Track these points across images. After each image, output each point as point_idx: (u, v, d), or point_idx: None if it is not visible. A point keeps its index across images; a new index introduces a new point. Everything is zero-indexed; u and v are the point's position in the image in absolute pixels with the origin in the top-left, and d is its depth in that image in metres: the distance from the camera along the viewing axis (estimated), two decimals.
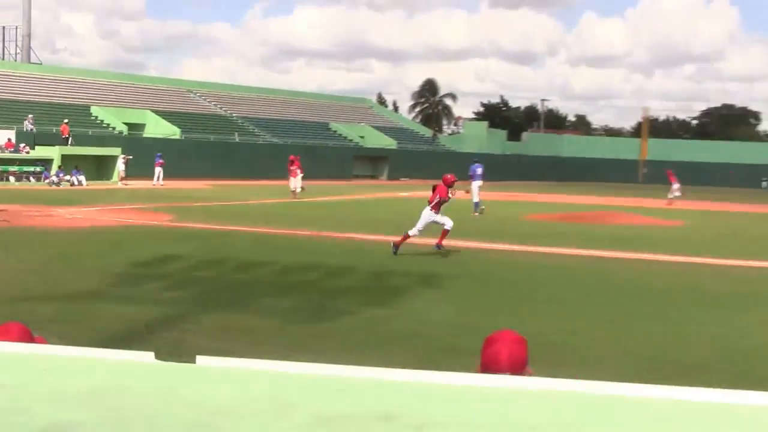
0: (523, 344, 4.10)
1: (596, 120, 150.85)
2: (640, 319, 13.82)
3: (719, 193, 62.88)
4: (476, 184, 35.78)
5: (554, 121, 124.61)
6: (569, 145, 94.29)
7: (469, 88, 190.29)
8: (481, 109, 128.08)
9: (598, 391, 2.61)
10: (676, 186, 48.62)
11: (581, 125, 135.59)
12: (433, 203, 20.51)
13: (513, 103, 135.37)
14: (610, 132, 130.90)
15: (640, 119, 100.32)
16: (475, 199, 35.18)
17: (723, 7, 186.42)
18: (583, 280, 17.84)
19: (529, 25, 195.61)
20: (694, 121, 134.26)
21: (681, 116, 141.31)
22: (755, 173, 73.71)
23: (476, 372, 3.87)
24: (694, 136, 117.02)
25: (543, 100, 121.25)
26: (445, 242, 20.90)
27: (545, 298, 15.60)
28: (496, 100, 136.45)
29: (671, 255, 22.13)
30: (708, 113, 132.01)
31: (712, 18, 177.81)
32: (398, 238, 20.47)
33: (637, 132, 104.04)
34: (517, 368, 3.92)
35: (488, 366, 3.97)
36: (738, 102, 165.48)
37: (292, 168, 43.81)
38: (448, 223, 20.42)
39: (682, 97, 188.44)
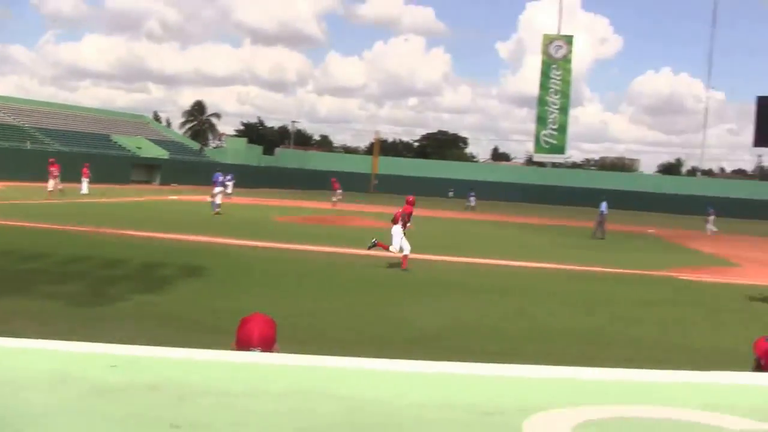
0: (272, 325, 4.53)
1: (337, 140, 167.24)
2: (369, 303, 15.63)
3: (435, 201, 70.39)
4: (217, 190, 38.45)
5: (302, 140, 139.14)
6: (315, 160, 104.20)
7: (232, 110, 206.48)
8: (242, 127, 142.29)
9: (331, 364, 3.08)
10: (339, 192, 55.38)
11: (325, 144, 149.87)
12: (400, 222, 21.50)
13: (268, 124, 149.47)
14: (348, 150, 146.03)
15: (372, 140, 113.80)
16: (217, 201, 38.08)
17: (439, 53, 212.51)
18: (323, 271, 19.79)
19: (284, 59, 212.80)
20: (416, 143, 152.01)
21: (406, 139, 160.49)
22: (469, 186, 78.54)
23: (232, 349, 4.26)
24: (416, 156, 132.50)
25: (293, 121, 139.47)
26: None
27: (292, 285, 17.22)
28: (254, 120, 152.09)
29: (396, 252, 23.74)
30: (427, 137, 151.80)
31: (431, 61, 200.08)
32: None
33: (370, 150, 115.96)
34: (267, 346, 4.36)
35: (242, 343, 4.34)
36: (451, 129, 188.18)
37: (51, 169, 44.45)
38: (405, 248, 21.20)
39: (407, 124, 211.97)
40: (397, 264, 21.07)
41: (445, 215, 52.59)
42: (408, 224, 21.75)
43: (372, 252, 21.95)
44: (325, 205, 53.23)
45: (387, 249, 21.48)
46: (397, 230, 21.37)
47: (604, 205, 39.02)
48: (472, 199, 66.09)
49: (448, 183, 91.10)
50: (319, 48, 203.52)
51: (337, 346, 11.16)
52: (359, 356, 3.27)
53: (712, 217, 48.68)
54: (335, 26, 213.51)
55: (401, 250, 21.16)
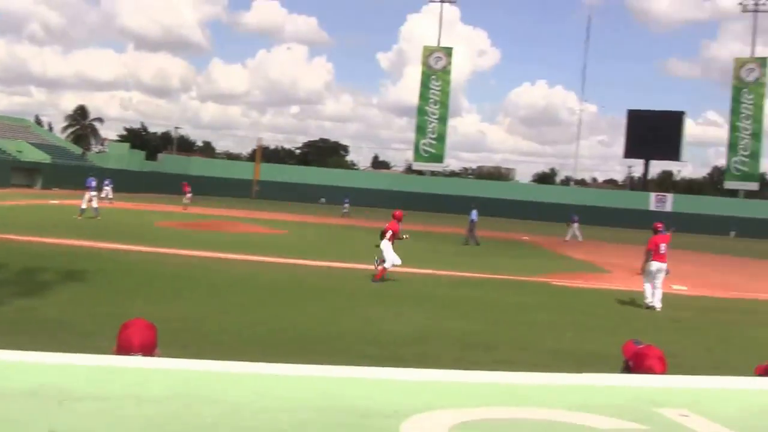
0: (152, 329, 4.53)
1: (220, 146, 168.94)
2: (250, 307, 15.63)
3: (308, 208, 73.11)
4: (91, 194, 37.67)
5: (185, 146, 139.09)
6: (197, 166, 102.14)
7: (115, 114, 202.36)
8: (125, 132, 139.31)
9: (212, 368, 3.08)
10: (189, 195, 55.60)
11: (207, 150, 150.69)
12: (389, 237, 21.79)
13: (151, 129, 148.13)
14: (231, 156, 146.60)
15: (255, 147, 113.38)
16: (83, 206, 37.29)
17: (322, 62, 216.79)
18: (207, 276, 19.58)
19: (167, 65, 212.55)
20: (298, 151, 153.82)
21: (288, 146, 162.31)
22: (345, 193, 79.20)
23: (112, 354, 4.22)
24: (297, 163, 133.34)
25: (176, 127, 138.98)
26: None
27: (173, 290, 17.06)
28: (137, 125, 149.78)
29: (277, 257, 24.87)
30: (309, 145, 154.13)
31: (313, 70, 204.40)
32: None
33: (252, 157, 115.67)
34: (148, 350, 4.36)
35: (123, 348, 4.33)
36: (332, 137, 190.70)
37: None
38: (396, 261, 21.60)
39: (289, 131, 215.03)
40: (367, 276, 21.28)
41: (321, 221, 52.77)
42: (405, 236, 22.71)
43: (256, 257, 21.88)
44: (208, 211, 52.46)
45: (383, 263, 21.57)
46: (386, 245, 21.66)
47: (474, 213, 39.55)
48: (346, 205, 65.98)
49: (329, 190, 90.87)
50: (203, 55, 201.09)
51: (218, 349, 11.07)
52: (240, 359, 3.26)
53: (575, 224, 49.85)
54: (219, 33, 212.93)
55: (383, 261, 21.55)
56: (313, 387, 2.99)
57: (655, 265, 19.63)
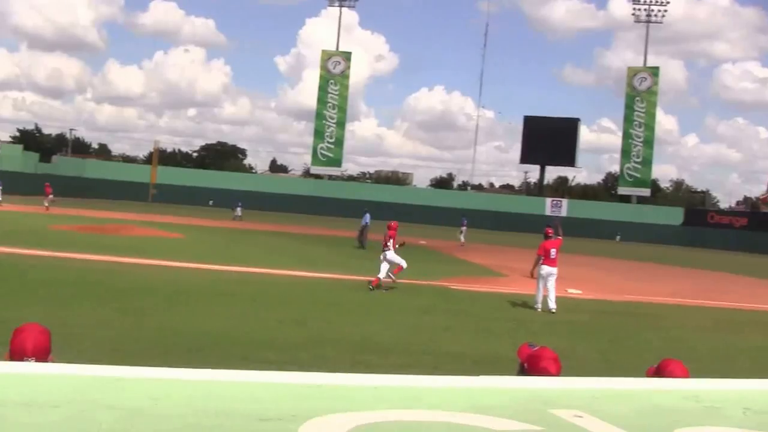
0: (46, 335, 4.44)
1: (116, 149, 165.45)
2: (147, 312, 15.30)
3: (197, 210, 72.24)
4: None
5: (81, 148, 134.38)
6: (93, 168, 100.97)
7: (7, 116, 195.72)
8: (17, 134, 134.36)
9: (108, 373, 3.05)
10: (50, 196, 54.47)
11: (103, 152, 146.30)
12: (392, 246, 22.63)
13: (46, 131, 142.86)
14: (127, 159, 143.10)
15: (152, 150, 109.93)
16: None
17: (220, 65, 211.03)
18: (105, 280, 19.17)
19: (62, 66, 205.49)
20: (196, 154, 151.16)
21: (185, 149, 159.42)
22: (237, 196, 79.03)
23: (5, 359, 4.14)
24: (195, 166, 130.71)
25: (71, 129, 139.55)
26: None
27: (68, 295, 16.65)
28: (31, 127, 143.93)
29: (175, 261, 24.48)
30: (206, 148, 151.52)
31: (211, 72, 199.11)
32: (374, 278, 21.91)
33: (149, 160, 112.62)
34: (41, 356, 4.26)
35: (16, 354, 4.23)
36: (230, 140, 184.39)
37: None
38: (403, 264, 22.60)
39: (187, 134, 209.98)
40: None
41: (217, 225, 52.15)
42: (404, 244, 23.68)
43: (154, 261, 21.64)
44: (104, 214, 51.17)
45: (401, 268, 22.72)
46: (391, 253, 22.50)
47: (367, 217, 39.71)
48: (238, 209, 65.60)
49: (227, 194, 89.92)
50: (99, 55, 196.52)
51: (115, 354, 10.88)
52: (138, 365, 3.22)
53: (464, 228, 50.59)
54: (115, 34, 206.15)
55: (400, 267, 22.45)
56: (211, 391, 2.96)
57: (545, 269, 20.11)
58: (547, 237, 20.85)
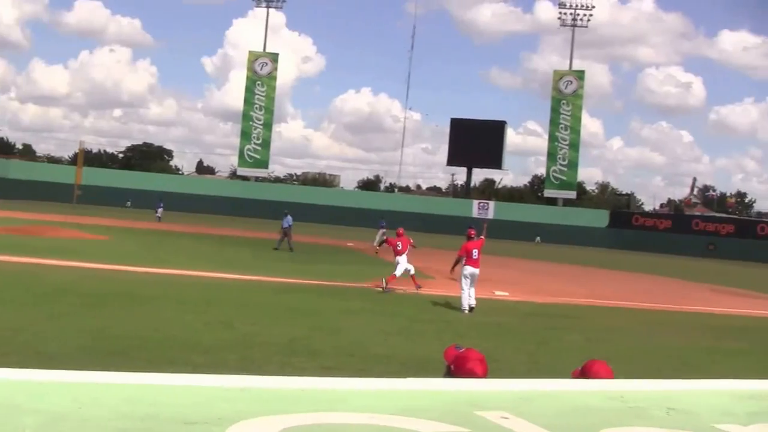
0: None
1: (40, 149, 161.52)
2: (77, 314, 15.17)
3: (132, 213, 71.83)
4: None
5: (3, 148, 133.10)
6: (17, 169, 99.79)
7: None
8: None
9: (32, 377, 3.01)
10: None
11: (27, 152, 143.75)
12: (403, 251, 24.30)
13: None
14: (52, 160, 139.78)
15: (77, 150, 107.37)
16: None
17: (146, 65, 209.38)
18: (28, 283, 18.89)
19: None
20: (121, 155, 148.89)
21: (110, 150, 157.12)
22: (159, 197, 78.84)
23: None
24: (121, 167, 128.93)
25: None
26: None
27: None
28: None
29: (100, 263, 24.09)
30: (132, 149, 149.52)
31: (137, 73, 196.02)
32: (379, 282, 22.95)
33: (74, 161, 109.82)
34: None
35: None
36: (156, 141, 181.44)
37: None
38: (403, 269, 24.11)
39: (112, 135, 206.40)
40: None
41: (138, 226, 51.58)
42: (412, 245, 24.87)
43: (79, 264, 21.38)
44: (28, 215, 49.99)
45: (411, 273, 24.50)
46: (404, 259, 24.19)
47: (289, 219, 39.64)
48: (160, 210, 65.64)
49: (153, 195, 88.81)
50: (23, 54, 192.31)
51: (39, 358, 10.68)
52: (63, 368, 3.17)
53: (383, 230, 50.64)
54: (39, 33, 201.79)
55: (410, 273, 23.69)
56: (137, 395, 2.93)
57: (468, 269, 20.47)
58: (469, 238, 21.28)
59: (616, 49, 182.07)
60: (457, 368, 4.80)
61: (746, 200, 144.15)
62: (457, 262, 21.03)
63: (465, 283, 20.40)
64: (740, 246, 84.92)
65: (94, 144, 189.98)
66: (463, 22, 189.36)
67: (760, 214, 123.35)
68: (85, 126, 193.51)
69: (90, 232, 39.67)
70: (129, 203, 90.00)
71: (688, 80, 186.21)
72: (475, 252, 20.64)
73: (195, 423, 2.69)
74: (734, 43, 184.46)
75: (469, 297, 20.31)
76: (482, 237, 21.63)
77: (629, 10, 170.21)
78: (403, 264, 24.25)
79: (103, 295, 17.98)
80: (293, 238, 39.41)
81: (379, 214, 66.13)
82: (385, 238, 28.40)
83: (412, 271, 24.51)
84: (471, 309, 20.16)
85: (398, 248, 24.59)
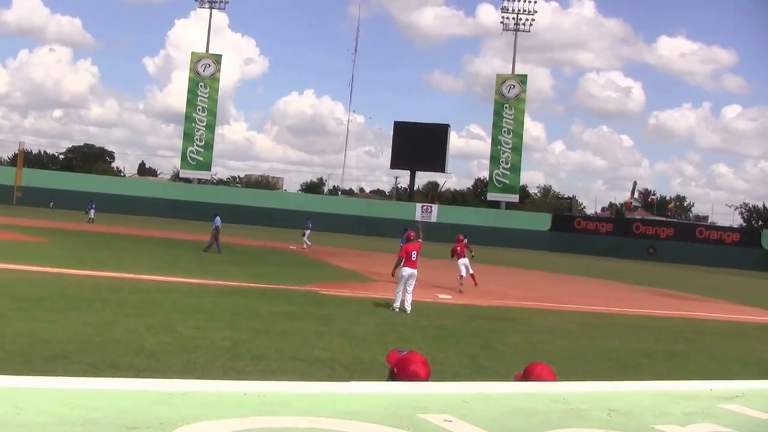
0: None
1: None
2: (14, 317, 14.83)
3: (40, 212, 68.84)
4: None
5: None
6: None
7: None
8: None
9: None
10: None
11: None
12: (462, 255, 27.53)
13: None
14: None
15: (16, 151, 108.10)
16: None
17: (87, 65, 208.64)
18: None
19: None
20: (62, 156, 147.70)
21: (51, 151, 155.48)
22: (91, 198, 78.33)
23: None
24: (61, 168, 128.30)
25: None
26: None
27: None
28: None
29: (38, 266, 23.83)
30: (73, 150, 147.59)
31: (77, 72, 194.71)
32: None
33: (14, 162, 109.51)
34: None
35: None
36: (97, 143, 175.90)
37: None
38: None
39: (52, 136, 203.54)
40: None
41: (74, 228, 50.91)
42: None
43: (15, 266, 21.11)
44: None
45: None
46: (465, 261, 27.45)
47: (217, 220, 39.44)
48: (92, 211, 65.16)
49: (95, 197, 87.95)
50: None
51: None
52: (1, 374, 3.12)
53: (308, 231, 50.88)
54: None
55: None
56: (78, 400, 2.89)
57: (407, 270, 20.84)
58: (408, 240, 21.84)
59: (557, 53, 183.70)
60: (400, 371, 4.81)
61: (685, 204, 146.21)
62: (398, 263, 21.33)
63: (401, 284, 20.77)
64: (680, 249, 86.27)
65: (35, 145, 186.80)
66: (406, 25, 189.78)
67: (698, 217, 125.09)
68: (25, 126, 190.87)
69: (28, 234, 39.15)
70: (52, 204, 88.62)
71: (628, 85, 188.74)
72: (414, 253, 21.05)
73: (137, 428, 2.67)
74: (672, 48, 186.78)
75: (404, 298, 20.68)
76: (419, 240, 21.79)
77: (570, 16, 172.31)
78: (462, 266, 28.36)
79: (39, 298, 17.67)
80: (221, 240, 39.01)
81: (322, 217, 66.20)
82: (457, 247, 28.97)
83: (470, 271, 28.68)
84: (405, 310, 20.51)
85: (458, 251, 28.90)
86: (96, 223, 60.19)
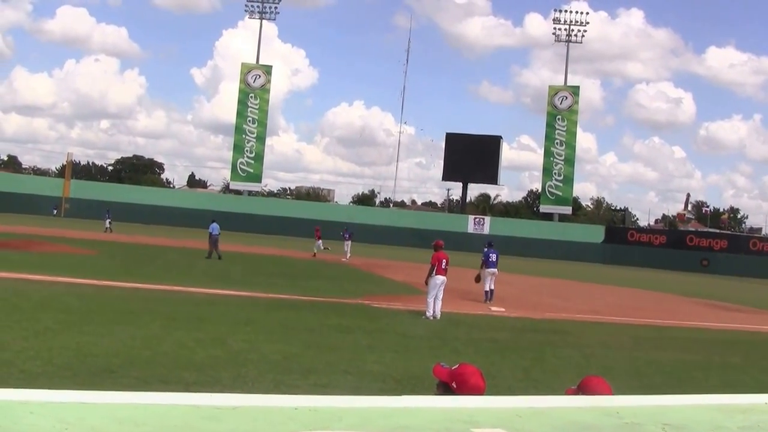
0: None
1: (26, 161, 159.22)
2: (62, 330, 14.87)
3: (119, 227, 69.33)
4: None
5: None
6: (1, 181, 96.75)
7: None
8: None
9: (14, 397, 2.96)
10: None
11: (12, 164, 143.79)
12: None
13: None
14: (38, 172, 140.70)
15: (64, 162, 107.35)
16: None
17: (134, 76, 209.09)
18: (12, 299, 18.63)
19: None
20: (111, 167, 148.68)
21: (99, 162, 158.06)
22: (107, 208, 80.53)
23: None
24: (110, 180, 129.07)
25: None
26: None
27: None
28: None
29: (86, 279, 23.96)
30: (122, 161, 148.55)
31: (124, 83, 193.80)
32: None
33: (61, 173, 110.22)
34: None
35: None
36: (145, 154, 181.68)
37: None
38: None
39: (100, 147, 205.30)
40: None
41: (119, 239, 51.07)
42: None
43: (64, 279, 21.32)
44: (14, 229, 49.78)
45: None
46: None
47: (213, 227, 39.37)
48: (108, 220, 65.81)
49: (146, 209, 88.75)
50: (4, 62, 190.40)
51: (23, 377, 10.69)
52: (47, 387, 3.14)
53: (349, 242, 50.83)
54: (22, 40, 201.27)
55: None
56: (126, 415, 2.90)
57: (439, 278, 21.64)
58: (437, 249, 22.40)
59: (606, 64, 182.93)
60: (459, 385, 4.78)
61: (738, 216, 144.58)
62: (430, 272, 21.87)
63: (432, 291, 21.44)
64: (733, 261, 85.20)
65: (82, 156, 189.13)
66: (453, 35, 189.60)
67: (752, 229, 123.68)
68: (72, 137, 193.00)
69: (77, 246, 39.50)
70: (55, 211, 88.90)
71: (678, 96, 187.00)
72: (444, 262, 21.91)
73: None
74: (721, 59, 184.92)
75: (436, 308, 21.43)
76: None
77: (619, 26, 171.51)
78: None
79: (88, 311, 17.88)
80: (216, 246, 39.06)
81: (374, 229, 66.19)
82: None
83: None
84: (436, 317, 21.23)
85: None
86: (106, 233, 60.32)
